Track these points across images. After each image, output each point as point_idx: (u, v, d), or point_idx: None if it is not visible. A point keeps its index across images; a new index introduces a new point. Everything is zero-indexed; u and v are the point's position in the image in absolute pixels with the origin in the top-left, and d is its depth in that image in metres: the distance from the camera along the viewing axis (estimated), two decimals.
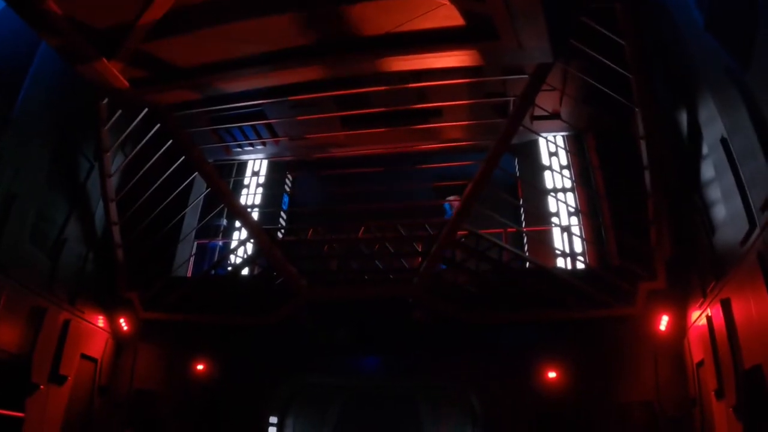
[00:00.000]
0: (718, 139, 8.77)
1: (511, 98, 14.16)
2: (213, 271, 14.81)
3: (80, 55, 9.36)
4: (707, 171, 9.77)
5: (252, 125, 16.28)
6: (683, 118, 10.68)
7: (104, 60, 9.57)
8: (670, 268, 11.78)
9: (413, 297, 12.78)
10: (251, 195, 19.12)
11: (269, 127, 16.59)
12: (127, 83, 10.42)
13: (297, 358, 13.66)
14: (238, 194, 18.72)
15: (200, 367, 13.51)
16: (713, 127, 9.11)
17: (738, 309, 8.64)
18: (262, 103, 14.69)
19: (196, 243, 17.56)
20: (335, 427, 14.82)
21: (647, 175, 11.62)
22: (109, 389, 13.71)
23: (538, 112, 14.41)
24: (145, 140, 13.26)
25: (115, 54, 9.65)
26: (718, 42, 8.16)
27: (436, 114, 15.39)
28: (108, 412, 13.46)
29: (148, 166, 13.36)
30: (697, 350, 10.99)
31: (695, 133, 10.08)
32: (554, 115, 15.00)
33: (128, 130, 13.17)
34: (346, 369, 13.98)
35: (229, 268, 15.21)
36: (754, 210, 7.67)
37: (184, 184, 13.73)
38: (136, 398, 13.67)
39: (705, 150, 9.71)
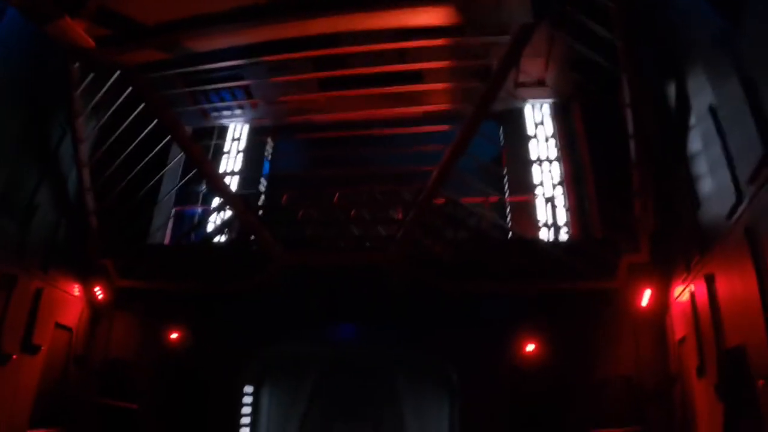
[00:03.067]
0: (707, 108, 8.39)
1: (494, 63, 13.72)
2: (189, 237, 14.44)
3: (42, 13, 9.11)
4: (694, 142, 9.39)
5: (229, 88, 15.83)
6: (671, 86, 10.26)
7: (68, 18, 9.29)
8: (653, 242, 11.48)
9: (390, 265, 12.47)
10: (232, 160, 18.67)
11: (246, 90, 16.10)
12: (93, 42, 10.12)
13: (272, 327, 13.34)
14: (219, 159, 18.27)
15: (175, 335, 13.18)
16: (702, 95, 8.72)
17: (722, 285, 8.34)
18: (238, 65, 14.24)
19: (174, 210, 17.10)
20: (311, 397, 14.56)
21: (632, 145, 11.26)
22: (85, 358, 13.36)
23: (523, 78, 14.00)
24: (117, 104, 12.77)
25: (78, 12, 9.40)
26: (710, 3, 7.73)
27: (417, 78, 14.93)
28: (83, 381, 13.13)
29: (121, 130, 12.89)
30: (679, 326, 10.74)
31: (683, 102, 9.67)
32: (539, 82, 14.61)
33: (100, 94, 12.63)
34: (321, 337, 13.70)
35: (206, 235, 14.87)
36: (741, 182, 7.31)
37: (158, 148, 13.29)
38: (111, 367, 13.36)
39: (693, 120, 9.32)
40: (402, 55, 13.94)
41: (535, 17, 9.40)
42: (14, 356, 10.64)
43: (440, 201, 12.33)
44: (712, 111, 8.19)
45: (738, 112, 7.21)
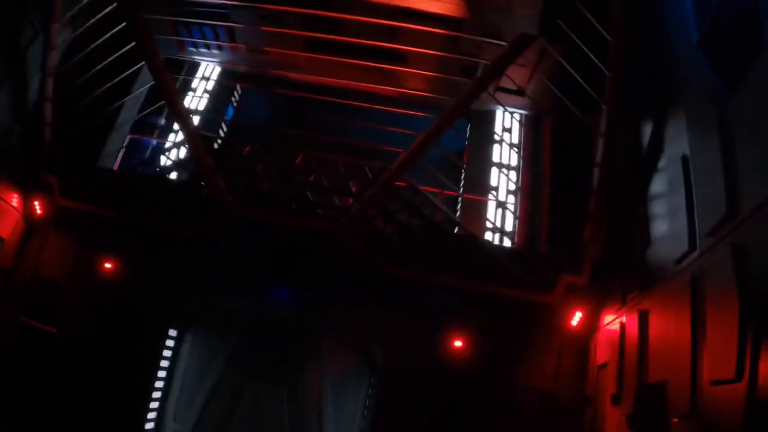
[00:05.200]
0: (679, 156, 8.72)
1: (482, 62, 13.89)
2: (141, 169, 14.13)
3: None
4: (659, 184, 9.76)
5: (213, 26, 15.49)
6: (648, 126, 10.61)
7: None
8: (594, 267, 11.90)
9: (338, 236, 12.54)
10: (196, 98, 18.32)
11: (230, 31, 15.81)
12: None
13: (209, 276, 13.25)
14: (184, 95, 17.88)
15: (109, 265, 12.90)
16: (677, 142, 9.03)
17: (655, 322, 8.74)
18: (230, 4, 13.94)
19: (129, 137, 16.69)
20: (231, 354, 14.51)
21: (596, 172, 11.62)
22: (13, 272, 12.95)
23: (504, 83, 14.21)
24: (97, 17, 12.32)
25: None
26: (708, 61, 8.02)
27: (402, 59, 15.01)
28: (7, 296, 12.77)
29: (94, 45, 12.46)
30: (602, 352, 11.20)
31: (656, 144, 10.02)
32: (519, 91, 14.84)
33: (82, 3, 12.14)
34: (255, 295, 13.64)
35: (158, 169, 14.58)
36: (698, 233, 7.67)
37: (128, 72, 12.90)
38: (38, 286, 12.99)
39: (662, 163, 9.68)
40: (392, 34, 13.96)
41: (540, 30, 9.54)
42: None
43: (401, 184, 12.43)
44: (684, 159, 8.51)
45: (710, 166, 7.53)
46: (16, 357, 12.45)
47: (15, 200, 12.76)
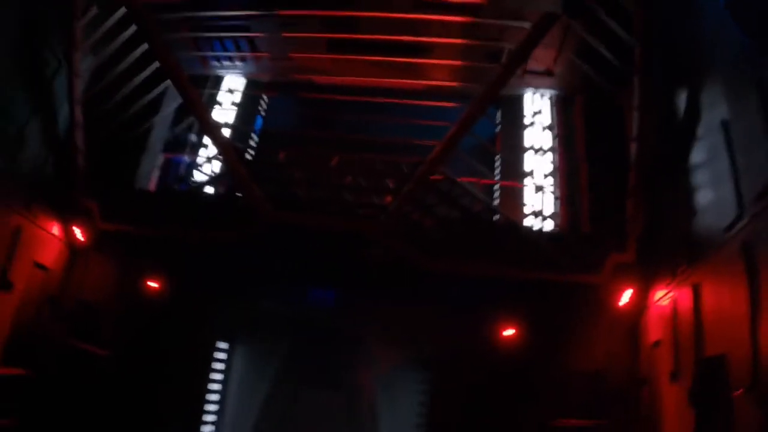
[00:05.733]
0: (718, 122, 8.47)
1: (507, 46, 13.72)
2: (177, 186, 14.27)
3: None
4: (699, 152, 9.49)
5: (234, 38, 15.59)
6: (682, 93, 10.33)
7: None
8: (640, 244, 11.65)
9: (378, 235, 12.49)
10: (224, 111, 18.43)
11: (251, 42, 15.88)
12: None
13: (252, 284, 13.39)
14: (211, 109, 17.98)
15: (153, 284, 13.06)
16: (714, 108, 8.79)
17: (708, 295, 8.51)
18: (249, 15, 14.00)
19: (162, 156, 16.83)
20: (284, 359, 14.63)
21: (633, 146, 11.38)
22: (59, 299, 13.09)
23: (530, 65, 14.02)
24: (119, 42, 12.44)
25: None
26: (737, 22, 7.77)
27: (426, 51, 14.91)
28: (55, 322, 12.89)
29: (119, 70, 12.59)
30: (655, 330, 10.95)
31: (692, 112, 9.75)
32: (547, 72, 14.62)
33: (103, 29, 12.26)
34: (299, 300, 13.71)
35: (193, 185, 14.72)
36: (745, 199, 7.44)
37: (155, 93, 13.01)
38: (84, 310, 13.16)
39: (700, 130, 9.41)
40: (414, 27, 13.88)
41: (564, 8, 9.36)
42: None
43: (438, 177, 12.33)
44: (724, 125, 8.27)
45: (751, 129, 7.31)
46: (68, 381, 12.63)
47: (56, 228, 12.92)
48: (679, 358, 9.34)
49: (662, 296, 10.66)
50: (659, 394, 10.25)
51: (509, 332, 12.40)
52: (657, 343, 10.68)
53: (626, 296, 11.67)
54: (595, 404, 11.66)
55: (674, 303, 9.82)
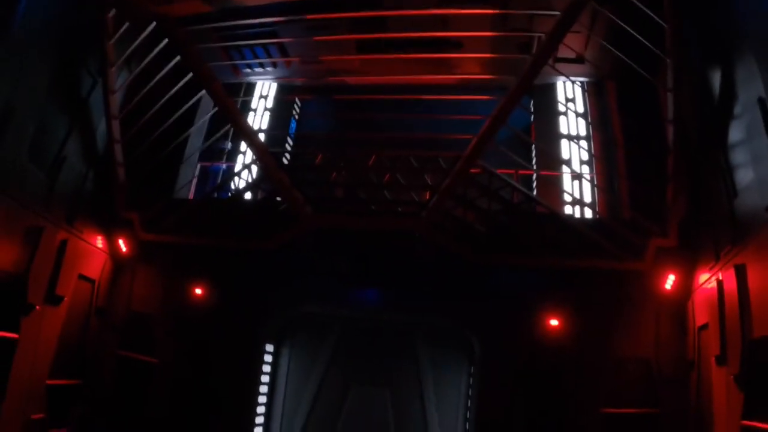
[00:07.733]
0: (755, 99, 8.32)
1: (536, 35, 13.65)
2: (215, 194, 14.53)
3: None
4: (737, 131, 9.33)
5: (263, 45, 15.78)
6: (716, 72, 10.16)
7: None
8: (682, 227, 11.51)
9: (419, 232, 12.55)
10: (258, 118, 18.68)
11: (281, 48, 16.06)
12: None
13: (296, 286, 13.56)
14: (245, 116, 18.23)
15: (198, 291, 13.36)
16: (750, 86, 8.63)
17: (754, 276, 8.36)
18: (277, 21, 14.16)
19: (199, 165, 17.19)
20: (330, 359, 14.82)
21: (670, 128, 11.25)
22: (106, 311, 13.58)
23: (561, 53, 13.90)
24: (151, 56, 12.68)
25: None
26: None
27: (456, 45, 14.92)
28: (104, 333, 13.38)
29: (153, 83, 12.84)
30: (701, 313, 10.80)
31: (728, 90, 9.59)
32: (579, 59, 14.50)
33: (134, 45, 12.49)
34: (344, 300, 13.88)
35: (232, 192, 14.96)
36: None
37: (190, 103, 13.22)
38: (131, 320, 13.58)
39: (737, 109, 9.25)
40: (443, 22, 13.91)
41: None
42: (38, 307, 10.56)
43: (476, 171, 12.34)
44: (761, 102, 8.13)
45: None
46: (121, 390, 13.08)
47: (100, 241, 13.30)
48: (725, 340, 9.18)
49: (707, 279, 10.51)
50: (708, 379, 10.11)
51: (556, 322, 12.34)
52: (704, 326, 10.53)
53: (670, 281, 11.57)
54: (645, 392, 11.60)
55: (719, 285, 9.66)
